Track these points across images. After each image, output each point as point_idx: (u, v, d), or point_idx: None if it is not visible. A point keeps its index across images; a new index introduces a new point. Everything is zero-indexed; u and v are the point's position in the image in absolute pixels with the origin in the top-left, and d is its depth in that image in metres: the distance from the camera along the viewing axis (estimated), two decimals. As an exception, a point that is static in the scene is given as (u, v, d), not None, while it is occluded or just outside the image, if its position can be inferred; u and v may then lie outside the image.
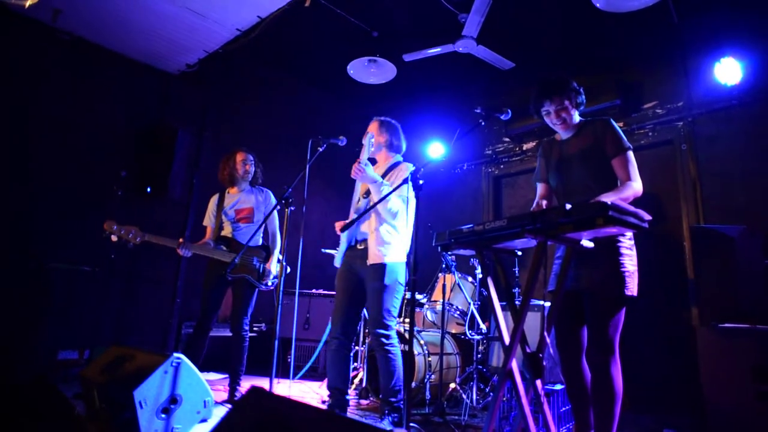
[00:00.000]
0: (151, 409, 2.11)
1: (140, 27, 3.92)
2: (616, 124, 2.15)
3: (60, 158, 3.97)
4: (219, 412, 2.57)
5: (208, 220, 3.42)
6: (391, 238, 2.67)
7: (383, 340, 2.57)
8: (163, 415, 2.16)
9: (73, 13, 3.77)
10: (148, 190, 4.35)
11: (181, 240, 3.16)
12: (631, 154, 2.10)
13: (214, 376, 4.09)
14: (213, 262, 3.25)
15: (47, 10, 3.68)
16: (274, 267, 3.31)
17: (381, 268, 2.61)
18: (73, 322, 3.87)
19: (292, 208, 2.61)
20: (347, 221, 2.78)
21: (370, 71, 4.34)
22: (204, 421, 2.37)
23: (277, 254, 3.35)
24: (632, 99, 4.26)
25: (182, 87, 4.71)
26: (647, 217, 1.65)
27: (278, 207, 2.96)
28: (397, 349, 2.61)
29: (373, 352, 2.75)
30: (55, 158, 3.95)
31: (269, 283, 3.31)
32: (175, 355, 2.27)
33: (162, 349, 4.21)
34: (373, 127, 2.91)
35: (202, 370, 2.51)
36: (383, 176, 2.79)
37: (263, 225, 3.25)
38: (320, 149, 2.65)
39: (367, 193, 2.78)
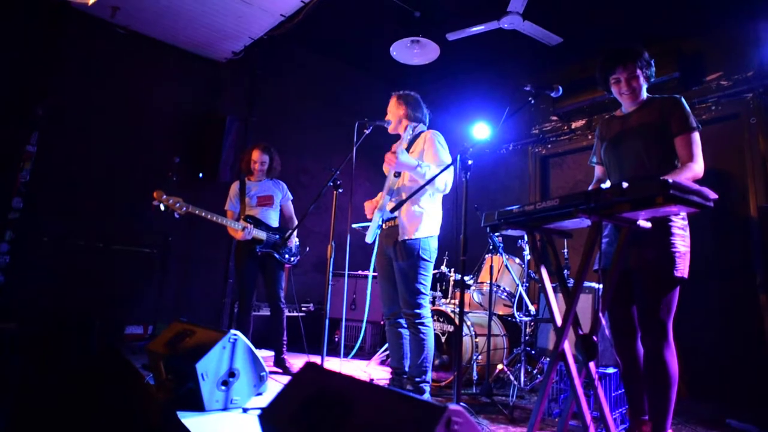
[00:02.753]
0: (212, 381, 2.25)
1: (190, 17, 4.05)
2: (686, 103, 2.05)
3: (118, 147, 4.21)
4: (272, 385, 2.70)
5: (230, 205, 3.69)
6: (422, 213, 2.59)
7: (415, 320, 2.53)
8: (223, 387, 2.29)
9: (129, 9, 3.95)
10: (200, 175, 4.55)
11: (245, 224, 3.44)
12: (697, 135, 2.01)
13: (265, 353, 4.28)
14: (241, 242, 3.54)
15: (106, 7, 3.89)
16: (292, 244, 3.69)
17: (407, 245, 2.54)
18: (137, 299, 4.15)
19: (341, 191, 2.65)
20: (375, 201, 2.75)
21: (414, 52, 4.29)
22: (259, 394, 2.49)
23: (294, 233, 3.68)
24: (693, 71, 3.99)
25: (229, 74, 4.85)
26: (713, 195, 1.56)
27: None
28: (429, 328, 2.55)
29: (393, 328, 2.68)
30: (114, 147, 4.19)
31: (292, 259, 3.66)
32: (232, 331, 2.39)
33: (216, 327, 4.43)
34: (391, 102, 2.85)
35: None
36: (408, 149, 2.71)
37: (280, 209, 3.75)
38: (366, 131, 2.66)
39: (398, 172, 2.70)
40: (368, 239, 2.73)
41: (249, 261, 3.50)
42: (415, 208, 2.59)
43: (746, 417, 2.74)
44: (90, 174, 4.04)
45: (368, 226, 2.71)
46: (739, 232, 3.64)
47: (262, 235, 3.52)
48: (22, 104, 3.77)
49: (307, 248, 3.73)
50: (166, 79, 4.53)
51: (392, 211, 2.54)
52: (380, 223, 2.69)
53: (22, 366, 3.30)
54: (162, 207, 3.22)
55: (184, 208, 3.26)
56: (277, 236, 3.60)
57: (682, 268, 1.93)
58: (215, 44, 4.49)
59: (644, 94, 2.15)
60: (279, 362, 3.51)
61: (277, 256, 3.56)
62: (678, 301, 1.95)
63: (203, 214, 3.34)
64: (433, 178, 2.34)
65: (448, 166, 2.38)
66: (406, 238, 2.55)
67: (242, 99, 4.94)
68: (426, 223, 2.59)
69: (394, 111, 2.82)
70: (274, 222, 3.68)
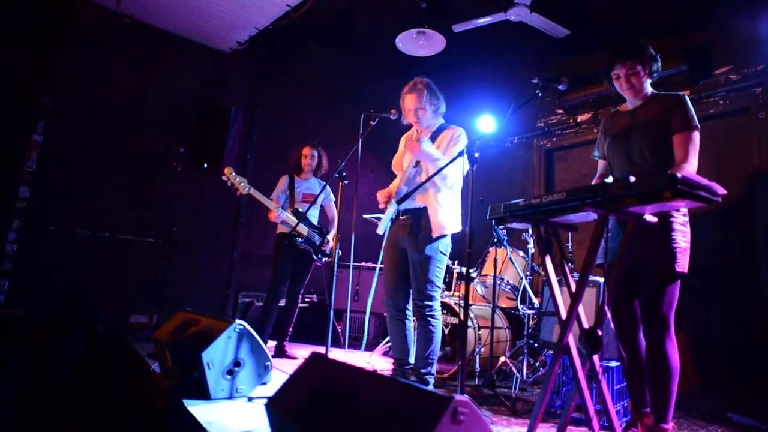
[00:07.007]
0: (218, 370, 2.27)
1: (195, 7, 4.02)
2: (689, 102, 2.04)
3: (123, 136, 4.21)
4: (276, 375, 2.72)
5: (276, 195, 3.81)
6: (443, 210, 2.58)
7: (426, 311, 2.53)
8: (228, 376, 2.31)
9: (134, -3, 3.94)
10: (205, 165, 4.56)
11: (277, 204, 3.58)
12: (696, 135, 1.99)
13: (269, 343, 4.31)
14: (281, 235, 3.65)
15: (111, -5, 3.87)
16: (329, 245, 3.81)
17: (427, 240, 2.52)
18: (142, 289, 4.17)
19: (346, 182, 2.65)
20: (388, 189, 2.66)
21: (419, 43, 4.26)
22: (264, 384, 2.52)
23: (333, 234, 3.82)
24: (701, 64, 3.94)
25: (234, 65, 4.84)
26: (721, 191, 1.55)
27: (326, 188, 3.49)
28: (438, 321, 2.56)
29: (396, 320, 2.67)
30: (119, 136, 4.19)
31: (323, 259, 3.78)
32: (237, 322, 2.41)
33: (221, 317, 4.47)
34: (425, 94, 2.63)
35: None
36: (431, 141, 2.66)
37: (321, 210, 3.89)
38: (372, 123, 2.66)
39: (418, 161, 2.65)
40: (380, 230, 2.69)
41: (286, 253, 3.60)
42: (436, 205, 2.56)
43: (747, 411, 2.75)
44: (95, 163, 4.05)
45: (380, 217, 2.68)
46: (744, 228, 3.63)
47: (304, 229, 3.63)
48: (28, 93, 3.77)
49: (339, 251, 3.68)
50: (171, 68, 4.52)
51: (399, 203, 2.53)
52: (394, 215, 2.65)
53: (29, 353, 3.34)
54: (229, 183, 3.45)
55: (246, 189, 3.46)
56: (317, 236, 3.74)
57: (683, 263, 1.96)
58: (220, 34, 4.47)
59: (648, 90, 2.14)
60: (279, 349, 3.61)
61: (313, 255, 3.71)
62: (681, 295, 1.97)
63: (262, 199, 3.50)
64: (439, 170, 2.33)
65: (453, 160, 2.34)
66: (427, 233, 2.53)
67: (247, 90, 4.93)
68: (447, 219, 2.57)
69: (434, 103, 2.68)
70: (314, 219, 3.83)
